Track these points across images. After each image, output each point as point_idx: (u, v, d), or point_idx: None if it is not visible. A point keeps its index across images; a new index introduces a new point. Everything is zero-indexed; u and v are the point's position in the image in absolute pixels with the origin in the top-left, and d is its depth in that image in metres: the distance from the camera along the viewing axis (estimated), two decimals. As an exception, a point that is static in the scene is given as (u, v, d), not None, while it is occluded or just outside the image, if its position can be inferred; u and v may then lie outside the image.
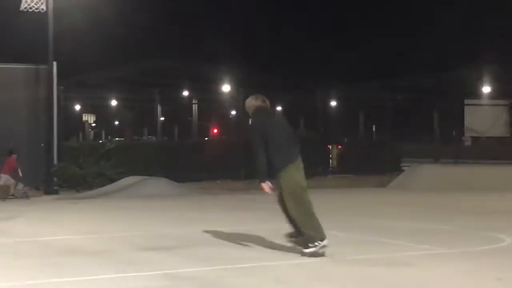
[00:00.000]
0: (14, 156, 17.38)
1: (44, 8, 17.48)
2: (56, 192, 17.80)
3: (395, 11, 65.13)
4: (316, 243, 7.75)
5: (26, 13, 17.29)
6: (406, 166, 26.78)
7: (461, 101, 31.51)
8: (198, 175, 21.88)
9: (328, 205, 15.39)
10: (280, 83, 32.30)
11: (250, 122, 8.20)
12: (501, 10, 46.69)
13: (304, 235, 7.82)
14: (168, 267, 7.37)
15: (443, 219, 11.86)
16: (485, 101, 31.90)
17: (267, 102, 8.29)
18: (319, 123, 29.30)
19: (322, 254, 7.77)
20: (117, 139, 39.41)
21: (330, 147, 26.84)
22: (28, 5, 17.20)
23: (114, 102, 45.29)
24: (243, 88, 26.69)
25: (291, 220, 7.98)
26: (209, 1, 79.63)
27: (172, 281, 6.70)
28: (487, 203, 15.11)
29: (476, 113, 31.75)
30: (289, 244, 8.22)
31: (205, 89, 38.35)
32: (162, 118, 47.82)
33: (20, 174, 17.17)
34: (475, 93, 31.51)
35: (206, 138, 46.74)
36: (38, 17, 17.80)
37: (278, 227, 10.08)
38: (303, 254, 7.78)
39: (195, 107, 46.36)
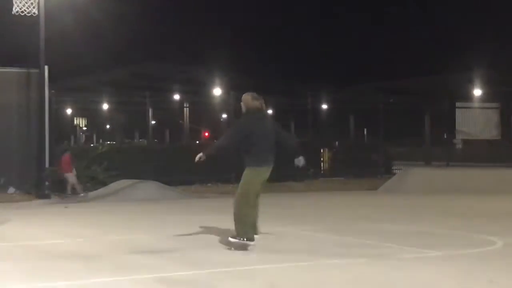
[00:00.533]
0: (68, 153, 18.78)
1: (36, 12, 17.44)
2: (47, 197, 17.74)
3: (386, 13, 65.45)
4: (241, 239, 8.43)
5: (18, 16, 17.24)
6: (397, 169, 26.87)
7: (452, 104, 31.65)
8: (189, 179, 21.87)
9: (318, 208, 15.43)
10: (271, 86, 32.39)
11: (241, 117, 8.67)
12: (492, 12, 46.96)
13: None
14: (161, 271, 7.37)
15: (434, 222, 11.91)
16: (476, 104, 32.07)
17: (263, 106, 8.80)
18: (310, 127, 29.36)
19: (244, 249, 8.39)
20: (108, 142, 39.31)
21: (322, 151, 26.90)
22: (20, 8, 17.16)
23: (105, 106, 45.26)
24: (234, 91, 26.70)
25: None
26: (201, 4, 79.65)
27: (165, 285, 6.70)
28: (478, 205, 15.18)
29: (467, 115, 31.89)
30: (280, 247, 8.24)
31: (197, 93, 38.40)
32: (153, 122, 47.80)
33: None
34: (466, 96, 31.68)
35: (197, 142, 46.70)
36: (30, 20, 17.76)
37: (270, 230, 10.12)
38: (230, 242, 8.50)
39: (186, 111, 46.36)
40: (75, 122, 49.88)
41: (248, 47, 68.28)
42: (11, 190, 17.78)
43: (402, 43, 57.35)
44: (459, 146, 37.41)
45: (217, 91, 36.66)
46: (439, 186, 19.32)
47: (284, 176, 21.57)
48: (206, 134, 50.94)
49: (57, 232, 10.97)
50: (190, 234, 10.28)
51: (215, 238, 9.76)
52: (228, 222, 11.93)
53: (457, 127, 31.66)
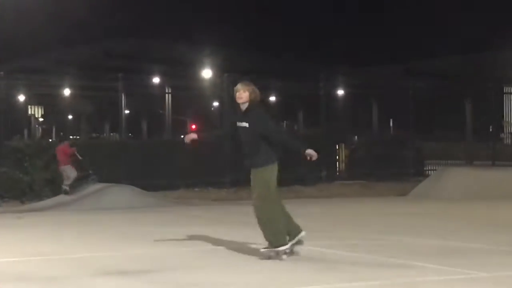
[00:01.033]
0: (65, 142, 19.82)
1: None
2: (-5, 204, 17.77)
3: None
4: (274, 247, 9.24)
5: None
6: (431, 169, 26.92)
7: (499, 88, 31.66)
8: (172, 182, 21.91)
9: (335, 218, 15.44)
10: (274, 67, 32.40)
11: (259, 112, 9.51)
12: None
13: (265, 237, 9.35)
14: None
15: (478, 235, 11.91)
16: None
17: None
18: (322, 117, 29.38)
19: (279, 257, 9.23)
20: (71, 137, 39.37)
21: (337, 147, 26.94)
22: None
23: (67, 91, 45.17)
24: (228, 73, 26.74)
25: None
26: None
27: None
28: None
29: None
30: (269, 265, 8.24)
31: (181, 75, 38.39)
32: (127, 111, 47.81)
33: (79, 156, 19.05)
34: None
35: (182, 136, 46.73)
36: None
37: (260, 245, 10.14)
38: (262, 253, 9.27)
39: (168, 97, 46.35)
40: (29, 112, 49.86)
41: (246, 19, 68.23)
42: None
43: (435, 14, 57.23)
44: (508, 141, 37.45)
45: (207, 73, 36.60)
46: (482, 190, 19.35)
47: (291, 179, 21.63)
48: (193, 126, 50.96)
49: (9, 248, 10.96)
50: (170, 251, 10.28)
51: (202, 256, 9.75)
52: (220, 235, 11.95)
53: (505, 117, 31.69)
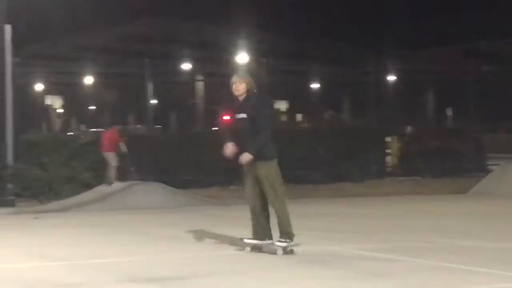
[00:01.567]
0: (113, 128, 20.30)
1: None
2: (11, 204, 17.96)
3: None
4: (290, 240, 10.03)
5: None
6: (494, 164, 26.65)
7: None
8: (204, 179, 21.96)
9: (385, 219, 15.37)
10: (317, 51, 32.35)
11: (263, 99, 10.51)
12: None
13: (283, 229, 10.05)
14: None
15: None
16: None
17: None
18: (371, 106, 29.29)
19: (291, 252, 10.08)
20: (93, 130, 39.63)
21: (388, 139, 26.82)
22: None
23: (88, 79, 45.52)
24: (266, 58, 26.75)
25: (266, 220, 10.22)
26: None
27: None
28: None
29: None
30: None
31: (214, 60, 38.44)
32: (155, 101, 48.02)
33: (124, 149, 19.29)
34: None
35: (215, 128, 46.81)
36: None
37: (313, 250, 10.11)
38: (278, 249, 10.00)
39: (199, 85, 46.47)
40: (47, 102, 50.35)
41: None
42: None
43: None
44: None
45: (242, 58, 36.65)
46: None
47: (337, 175, 21.59)
48: (227, 117, 50.88)
49: (24, 252, 11.07)
50: (203, 256, 10.32)
51: (236, 261, 9.77)
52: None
53: None
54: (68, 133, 33.19)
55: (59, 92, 49.49)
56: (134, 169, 19.91)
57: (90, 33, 37.01)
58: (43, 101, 49.39)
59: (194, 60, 40.85)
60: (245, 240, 10.34)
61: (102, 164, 19.79)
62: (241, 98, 10.22)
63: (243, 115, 10.14)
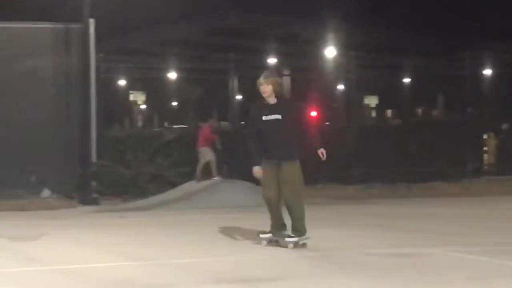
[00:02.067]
0: (210, 122, 20.41)
1: None
2: (95, 202, 18.21)
3: None
4: (306, 235, 10.83)
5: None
6: None
7: None
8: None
9: (481, 220, 15.11)
10: (408, 43, 31.99)
11: (294, 103, 11.25)
12: None
13: (297, 227, 10.79)
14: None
15: None
16: None
17: None
18: (466, 100, 28.83)
19: (304, 246, 10.80)
20: (177, 126, 39.91)
21: (485, 136, 26.40)
22: None
23: (172, 75, 45.96)
24: (356, 51, 26.56)
25: (279, 211, 10.90)
26: None
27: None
28: None
29: None
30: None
31: (300, 54, 38.39)
32: (240, 97, 48.19)
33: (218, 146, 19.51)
34: None
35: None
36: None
37: (413, 251, 10.01)
38: (289, 244, 10.71)
39: (285, 80, 46.42)
40: (130, 98, 50.95)
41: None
42: (46, 193, 18.37)
43: None
44: None
45: (330, 52, 36.52)
46: None
47: (430, 173, 21.31)
48: (314, 113, 50.85)
49: (111, 251, 11.22)
50: (290, 256, 10.32)
51: (320, 260, 9.73)
52: (352, 239, 11.90)
53: None
54: (152, 130, 33.55)
55: (142, 87, 50.00)
56: (226, 166, 19.98)
57: (175, 27, 37.37)
58: (126, 97, 49.97)
59: (280, 55, 40.84)
60: (261, 236, 11.11)
61: (187, 161, 19.93)
62: (270, 100, 10.62)
63: (277, 116, 10.56)
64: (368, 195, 20.20)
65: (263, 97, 10.66)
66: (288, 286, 8.51)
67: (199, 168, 19.48)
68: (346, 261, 9.89)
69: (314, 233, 12.05)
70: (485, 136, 26.56)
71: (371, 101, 48.87)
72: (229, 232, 13.42)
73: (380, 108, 49.76)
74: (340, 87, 44.14)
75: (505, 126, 28.99)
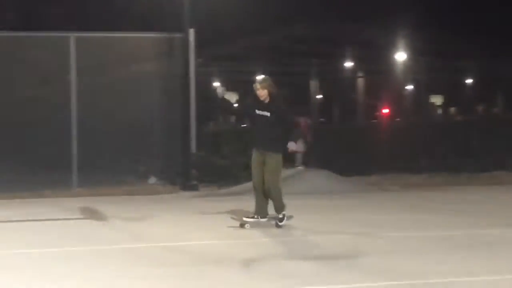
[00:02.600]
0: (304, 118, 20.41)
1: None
2: (195, 188, 18.38)
3: None
4: (285, 211, 11.39)
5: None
6: None
7: None
8: (364, 168, 21.79)
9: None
10: (472, 47, 31.43)
11: (277, 104, 11.27)
12: None
13: (276, 205, 11.39)
14: (331, 280, 7.50)
15: None
16: None
17: None
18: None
19: (290, 217, 11.51)
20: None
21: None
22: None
23: (261, 77, 46.15)
24: (423, 56, 26.25)
25: (264, 196, 11.35)
26: None
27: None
28: None
29: None
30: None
31: (373, 59, 38.10)
32: (319, 96, 48.12)
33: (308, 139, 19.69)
34: None
35: (374, 121, 46.44)
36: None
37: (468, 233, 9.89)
38: (280, 221, 11.32)
39: (360, 82, 46.19)
40: (224, 97, 51.41)
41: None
42: (152, 180, 18.61)
43: None
44: None
45: (400, 56, 36.18)
46: None
47: (491, 165, 20.88)
48: (385, 110, 50.46)
49: (209, 231, 11.34)
50: (366, 236, 10.31)
51: (396, 242, 9.66)
52: (425, 223, 11.80)
53: None
54: (242, 126, 33.65)
55: (234, 88, 50.32)
56: (311, 157, 19.99)
57: (263, 35, 37.46)
58: (220, 97, 50.39)
59: (355, 59, 40.67)
60: (244, 219, 11.40)
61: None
62: (265, 100, 11.13)
63: (267, 113, 11.06)
64: (434, 183, 19.94)
65: (259, 99, 11.17)
66: (360, 262, 8.48)
67: (298, 156, 19.65)
68: (428, 242, 9.82)
69: (389, 218, 12.03)
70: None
71: (437, 100, 48.33)
72: (310, 213, 13.43)
73: (444, 106, 49.16)
74: (409, 87, 43.71)
75: None
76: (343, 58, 39.93)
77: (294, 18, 38.96)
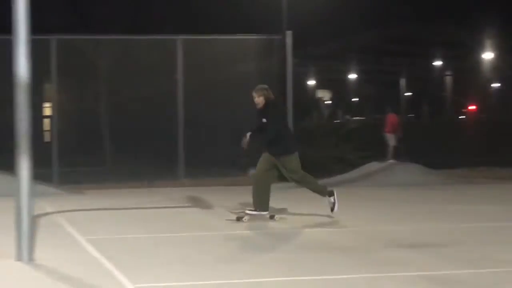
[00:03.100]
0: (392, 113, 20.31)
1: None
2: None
3: None
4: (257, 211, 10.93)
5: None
6: None
7: None
8: (454, 161, 21.43)
9: None
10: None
11: (270, 110, 10.99)
12: None
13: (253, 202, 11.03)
14: (428, 268, 7.38)
15: None
16: None
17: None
18: None
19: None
20: (356, 118, 39.84)
21: None
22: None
23: (352, 76, 45.90)
24: (510, 54, 25.60)
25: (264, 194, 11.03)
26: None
27: (434, 285, 6.66)
28: None
29: None
30: None
31: (461, 58, 37.39)
32: (409, 93, 47.53)
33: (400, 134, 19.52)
34: None
35: (462, 117, 45.58)
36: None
37: None
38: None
39: (448, 80, 45.39)
40: (317, 95, 51.27)
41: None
42: (253, 171, 18.75)
43: None
44: None
45: (487, 55, 35.39)
46: None
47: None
48: (472, 107, 49.46)
49: (306, 220, 11.38)
50: (462, 227, 10.12)
51: (491, 232, 9.49)
52: (504, 213, 11.55)
53: None
54: (335, 121, 33.64)
55: (328, 86, 50.20)
56: (402, 151, 19.78)
57: (356, 36, 37.23)
58: (314, 94, 50.30)
59: (443, 58, 40.00)
60: (247, 211, 11.04)
61: (367, 147, 19.90)
62: (261, 107, 11.00)
63: (264, 119, 10.95)
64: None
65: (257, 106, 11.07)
66: (452, 250, 8.36)
67: (389, 150, 19.50)
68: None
69: (480, 209, 11.80)
70: None
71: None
72: (403, 205, 13.31)
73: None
74: (496, 85, 42.68)
75: None
76: (432, 57, 39.27)
77: (385, 19, 38.60)
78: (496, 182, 18.01)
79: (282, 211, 12.53)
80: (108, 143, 20.00)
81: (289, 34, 18.97)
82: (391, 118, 19.96)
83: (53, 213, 12.10)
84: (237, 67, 19.89)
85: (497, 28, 38.14)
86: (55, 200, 13.75)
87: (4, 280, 6.98)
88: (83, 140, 19.22)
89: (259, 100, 11.10)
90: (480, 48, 35.62)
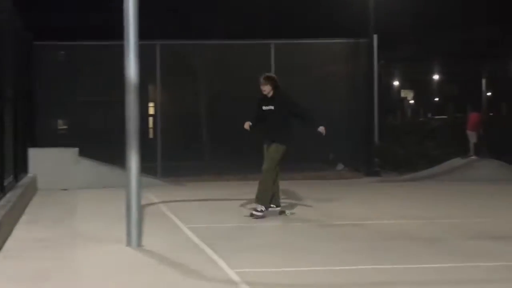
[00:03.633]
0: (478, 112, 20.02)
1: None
2: (377, 174, 18.28)
3: None
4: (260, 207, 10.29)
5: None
6: None
7: None
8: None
9: None
10: None
11: (282, 96, 10.43)
12: None
13: (257, 195, 10.39)
14: (510, 258, 7.25)
15: None
16: None
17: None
18: None
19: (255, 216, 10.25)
20: (438, 117, 39.11)
21: None
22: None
23: (435, 77, 45.13)
24: None
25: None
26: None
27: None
28: None
29: None
30: None
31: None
32: (489, 93, 46.41)
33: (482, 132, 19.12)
34: None
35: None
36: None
37: None
38: (254, 212, 10.28)
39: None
40: (401, 95, 50.64)
41: None
42: (340, 166, 18.69)
43: None
44: None
45: None
46: None
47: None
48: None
49: (390, 212, 11.30)
50: None
51: None
52: None
53: None
54: (419, 119, 33.10)
55: (412, 86, 49.54)
56: (483, 148, 19.26)
57: (439, 38, 36.58)
58: (398, 94, 49.75)
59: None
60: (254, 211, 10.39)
61: (449, 143, 19.52)
62: (268, 94, 10.38)
63: (271, 107, 10.32)
64: None
65: (264, 94, 10.45)
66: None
67: (471, 147, 19.07)
68: None
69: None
70: None
71: None
72: (484, 198, 13.02)
73: None
74: None
75: None
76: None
77: (466, 22, 37.78)
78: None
79: (370, 205, 12.47)
80: (206, 140, 20.30)
81: (375, 38, 18.83)
82: (473, 116, 19.50)
83: (158, 203, 12.36)
84: (327, 68, 19.89)
85: None
86: (160, 191, 14.04)
87: (116, 264, 7.18)
88: (184, 136, 19.57)
89: (265, 87, 10.40)
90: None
